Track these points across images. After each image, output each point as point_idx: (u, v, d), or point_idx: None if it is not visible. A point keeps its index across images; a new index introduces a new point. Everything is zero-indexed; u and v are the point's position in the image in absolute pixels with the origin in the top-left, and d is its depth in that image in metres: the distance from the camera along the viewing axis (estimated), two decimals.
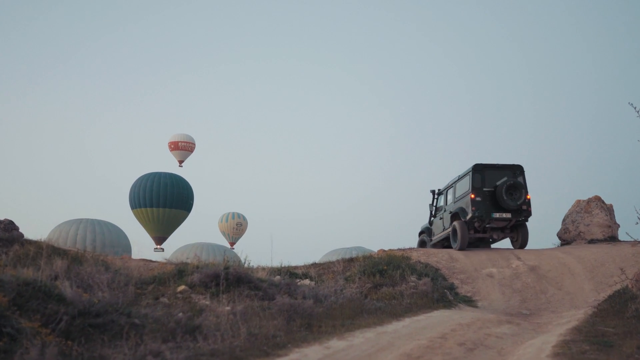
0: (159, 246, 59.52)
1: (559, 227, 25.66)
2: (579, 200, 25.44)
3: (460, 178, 22.39)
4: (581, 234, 24.51)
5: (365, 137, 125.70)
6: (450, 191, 22.99)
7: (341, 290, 16.01)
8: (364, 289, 16.38)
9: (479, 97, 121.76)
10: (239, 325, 10.88)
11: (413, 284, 16.67)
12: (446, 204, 23.02)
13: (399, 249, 23.74)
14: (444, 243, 23.19)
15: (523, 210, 21.66)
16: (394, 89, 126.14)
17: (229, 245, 64.79)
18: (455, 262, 21.81)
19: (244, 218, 66.89)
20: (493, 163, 21.69)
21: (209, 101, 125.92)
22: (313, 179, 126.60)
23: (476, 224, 21.89)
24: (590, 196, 25.24)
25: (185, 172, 62.24)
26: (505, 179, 21.34)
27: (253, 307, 12.77)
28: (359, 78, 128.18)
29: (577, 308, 17.01)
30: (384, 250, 24.13)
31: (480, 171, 21.50)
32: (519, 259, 21.82)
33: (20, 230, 22.97)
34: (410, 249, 24.01)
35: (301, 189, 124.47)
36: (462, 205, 21.59)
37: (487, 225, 22.05)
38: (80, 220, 51.76)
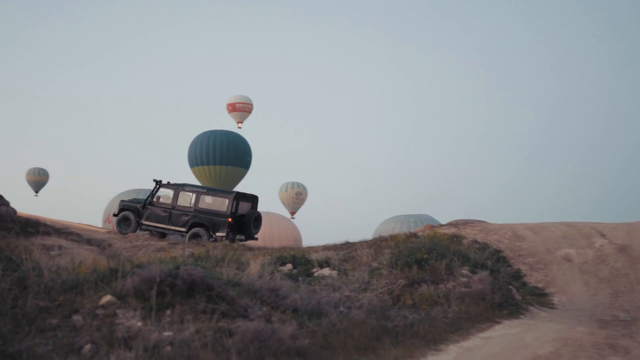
0: None
1: None
2: None
3: (211, 193, 23.36)
4: None
5: (439, 100, 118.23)
6: (188, 195, 23.28)
7: (362, 290, 10.76)
8: (396, 288, 11.03)
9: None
10: None
11: (465, 279, 11.22)
12: (176, 202, 23.19)
13: (460, 222, 18.69)
14: (160, 232, 23.56)
15: (254, 237, 23.60)
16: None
17: (289, 215, 61.56)
18: (522, 240, 16.50)
19: (304, 187, 63.33)
20: (244, 192, 23.56)
21: (269, 63, 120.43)
22: (380, 142, 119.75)
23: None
24: None
25: (245, 133, 58.54)
26: (253, 210, 23.31)
27: (206, 333, 7.65)
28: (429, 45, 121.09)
29: None
30: (432, 227, 18.83)
31: (237, 198, 22.61)
32: (603, 235, 16.45)
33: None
34: (472, 222, 18.88)
35: (365, 152, 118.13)
36: (214, 221, 22.36)
37: None
38: (139, 190, 48.48)
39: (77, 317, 8.17)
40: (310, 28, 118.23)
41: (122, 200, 24.68)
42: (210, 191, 23.41)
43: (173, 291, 8.38)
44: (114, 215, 24.18)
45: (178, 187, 23.28)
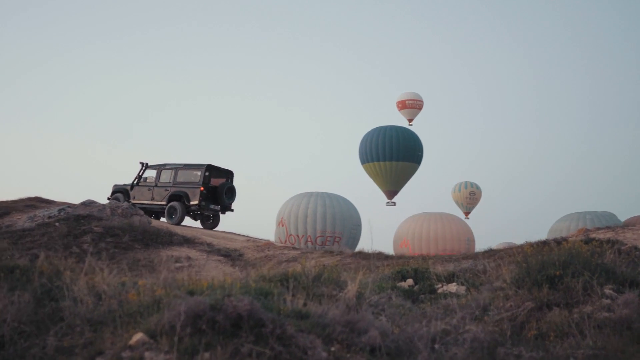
0: (390, 200, 56.42)
1: None
2: None
3: (186, 167, 25.36)
4: None
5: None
6: (168, 172, 25.52)
7: (475, 316, 8.58)
8: (521, 313, 8.76)
9: None
10: None
11: (607, 301, 8.77)
12: (158, 180, 25.63)
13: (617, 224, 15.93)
14: (146, 208, 25.16)
15: (230, 208, 25.88)
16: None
17: (463, 216, 59.35)
18: None
19: (478, 187, 61.37)
20: (217, 165, 25.51)
21: (441, 60, 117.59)
22: (561, 135, 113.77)
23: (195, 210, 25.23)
24: None
25: (416, 131, 57.08)
26: (226, 181, 25.63)
27: None
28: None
29: None
30: (587, 230, 16.09)
31: (209, 170, 24.89)
32: None
33: None
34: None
35: (543, 146, 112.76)
36: (187, 191, 24.68)
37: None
38: (311, 194, 48.20)
39: None
40: (484, 23, 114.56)
41: (115, 184, 26.67)
42: (187, 166, 25.34)
43: (214, 329, 6.61)
44: (108, 198, 25.83)
45: (160, 167, 25.83)
